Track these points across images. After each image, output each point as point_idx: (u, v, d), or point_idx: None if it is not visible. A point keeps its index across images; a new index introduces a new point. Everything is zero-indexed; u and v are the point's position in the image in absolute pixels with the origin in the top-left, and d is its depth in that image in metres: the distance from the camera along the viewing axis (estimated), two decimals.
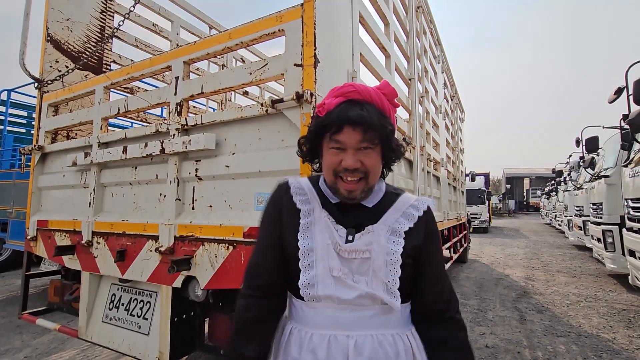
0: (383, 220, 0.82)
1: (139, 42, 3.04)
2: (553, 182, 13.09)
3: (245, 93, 3.94)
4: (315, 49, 1.25)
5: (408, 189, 2.55)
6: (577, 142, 5.69)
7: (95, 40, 2.69)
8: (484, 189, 15.75)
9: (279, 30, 1.36)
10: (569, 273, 6.56)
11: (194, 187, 1.57)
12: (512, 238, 13.02)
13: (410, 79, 2.70)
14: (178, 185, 1.57)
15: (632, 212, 4.11)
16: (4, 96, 5.62)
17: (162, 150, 1.57)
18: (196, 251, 1.45)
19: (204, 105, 4.03)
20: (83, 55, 2.57)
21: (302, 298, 0.80)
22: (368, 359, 0.75)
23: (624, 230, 4.52)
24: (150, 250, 1.59)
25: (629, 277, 4.26)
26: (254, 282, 0.85)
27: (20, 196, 4.62)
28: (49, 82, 2.31)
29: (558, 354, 2.96)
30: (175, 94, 1.62)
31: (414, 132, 2.68)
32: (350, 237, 0.79)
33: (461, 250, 6.08)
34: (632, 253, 4.09)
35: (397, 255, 0.79)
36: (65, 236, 1.99)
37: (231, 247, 1.36)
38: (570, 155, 8.15)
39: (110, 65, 2.82)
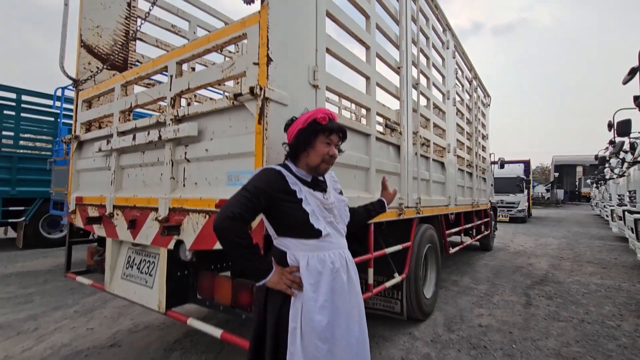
0: (329, 186, 1.45)
1: (159, 42, 3.43)
2: (596, 170, 12.14)
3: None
4: (268, 50, 1.48)
5: (395, 173, 2.71)
6: (610, 126, 5.34)
7: (121, 43, 3.10)
8: (523, 176, 14.99)
9: (243, 34, 1.60)
10: (600, 264, 6.26)
11: (184, 168, 1.88)
12: (550, 228, 12.39)
13: (399, 67, 2.82)
14: (172, 166, 1.90)
15: None
16: (59, 93, 6.43)
17: (160, 137, 1.90)
18: (184, 219, 1.78)
19: (221, 94, 4.38)
20: (110, 57, 2.99)
21: (315, 237, 1.29)
22: (352, 262, 1.41)
23: None
24: (153, 220, 1.95)
25: None
26: (236, 226, 1.18)
27: None
28: (83, 81, 2.75)
29: (550, 335, 3.00)
30: (170, 89, 1.93)
31: (403, 119, 2.81)
32: (325, 197, 1.36)
33: (479, 237, 6.03)
34: None
35: (346, 202, 1.49)
36: (94, 209, 2.44)
37: (207, 216, 1.66)
38: (610, 141, 7.57)
39: (135, 64, 3.23)
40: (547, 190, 30.89)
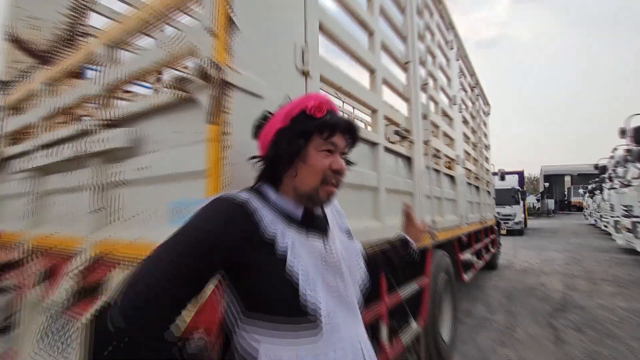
0: (331, 222, 0.88)
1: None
2: (596, 179, 11.91)
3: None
4: (231, 12, 0.94)
5: (406, 192, 2.17)
6: (622, 133, 4.97)
7: (65, 40, 2.53)
8: (518, 188, 14.69)
9: None
10: (616, 282, 5.77)
11: (118, 194, 1.30)
12: (550, 240, 11.99)
13: (407, 63, 2.32)
14: (102, 191, 1.32)
15: None
16: None
17: (82, 151, 1.32)
18: (111, 272, 1.18)
19: None
20: (51, 55, 2.41)
21: (309, 322, 0.71)
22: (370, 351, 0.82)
23: None
24: (73, 270, 1.34)
25: None
26: (148, 326, 0.61)
27: None
28: (5, 84, 2.16)
29: None
30: (99, 84, 1.37)
31: (414, 125, 2.29)
32: (327, 245, 0.80)
33: (488, 256, 5.50)
34: None
35: (359, 250, 0.93)
36: (10, 249, 1.81)
37: None
38: (615, 149, 7.25)
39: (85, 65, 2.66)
40: (538, 200, 30.89)
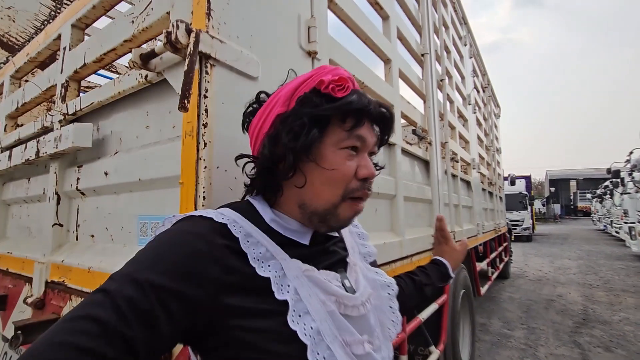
0: (350, 247, 0.63)
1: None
2: (607, 183, 11.57)
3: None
4: None
5: (424, 199, 1.91)
6: None
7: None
8: (526, 193, 14.34)
9: None
10: (638, 293, 5.45)
11: (78, 207, 1.05)
12: (560, 247, 11.63)
13: (423, 55, 2.07)
14: (59, 203, 1.06)
15: None
16: None
17: (38, 153, 1.08)
18: (63, 308, 0.93)
19: None
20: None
21: None
22: None
23: None
24: (24, 300, 1.09)
25: None
26: None
27: None
28: None
29: None
30: (62, 71, 1.12)
31: (431, 124, 2.04)
32: (347, 283, 0.55)
33: (501, 266, 5.20)
34: None
35: (392, 288, 0.63)
36: None
37: None
38: (632, 152, 6.96)
39: None
40: (543, 205, 30.44)
